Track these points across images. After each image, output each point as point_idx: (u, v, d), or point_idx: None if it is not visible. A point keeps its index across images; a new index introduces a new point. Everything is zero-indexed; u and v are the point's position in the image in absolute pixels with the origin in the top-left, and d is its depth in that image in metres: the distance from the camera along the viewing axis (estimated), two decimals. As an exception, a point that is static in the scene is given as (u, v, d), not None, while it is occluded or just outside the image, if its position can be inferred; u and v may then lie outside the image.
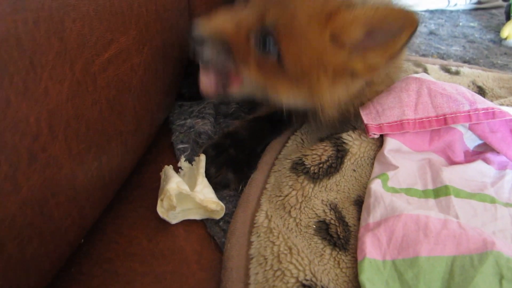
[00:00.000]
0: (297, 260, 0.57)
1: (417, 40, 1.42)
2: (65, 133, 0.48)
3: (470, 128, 0.77)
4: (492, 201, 0.68)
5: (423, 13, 1.68)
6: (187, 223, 0.66)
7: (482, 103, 0.73)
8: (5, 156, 0.40)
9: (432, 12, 1.69)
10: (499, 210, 0.67)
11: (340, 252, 0.61)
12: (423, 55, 1.31)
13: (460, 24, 1.60)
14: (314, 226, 0.64)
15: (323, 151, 0.73)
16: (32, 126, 0.43)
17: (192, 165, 0.73)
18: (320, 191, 0.69)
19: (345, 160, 0.73)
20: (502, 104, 0.86)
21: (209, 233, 0.65)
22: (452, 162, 0.77)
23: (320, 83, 0.65)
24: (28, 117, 0.43)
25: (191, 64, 0.77)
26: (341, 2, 0.60)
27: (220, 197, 0.68)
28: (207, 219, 0.67)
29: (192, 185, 0.66)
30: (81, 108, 0.51)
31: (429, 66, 1.14)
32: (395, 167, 0.71)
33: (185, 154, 0.77)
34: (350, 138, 0.75)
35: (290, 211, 0.65)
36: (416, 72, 1.03)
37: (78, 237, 0.58)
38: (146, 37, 0.65)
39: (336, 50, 0.62)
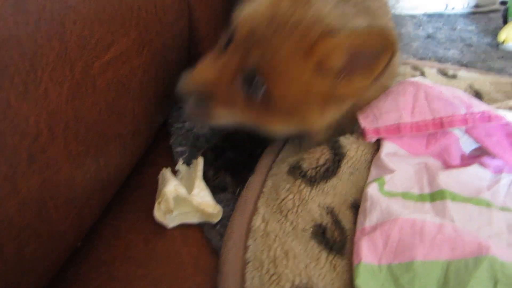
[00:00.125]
0: (293, 264, 0.57)
1: (414, 43, 1.42)
2: (65, 135, 0.48)
3: (467, 132, 0.78)
4: (488, 205, 0.69)
5: (421, 16, 1.68)
6: (184, 227, 0.66)
7: (478, 106, 0.73)
8: (4, 157, 0.41)
9: (430, 15, 1.69)
10: (494, 214, 0.67)
11: (336, 256, 0.61)
12: (421, 59, 1.31)
13: (458, 27, 1.60)
14: (311, 230, 0.64)
15: (321, 155, 0.73)
16: (31, 127, 0.43)
17: (190, 168, 0.73)
18: (317, 194, 0.69)
19: (342, 164, 0.73)
20: (499, 108, 0.86)
21: (206, 236, 0.65)
22: (448, 166, 0.77)
23: (310, 112, 0.66)
24: (28, 118, 0.43)
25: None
26: (321, 32, 0.61)
27: (218, 200, 0.68)
28: (204, 223, 0.67)
29: (189, 188, 0.66)
30: (81, 110, 0.51)
31: (426, 70, 1.14)
32: (392, 171, 0.71)
33: (183, 156, 0.77)
34: (348, 142, 0.76)
35: (287, 215, 0.65)
36: (414, 76, 1.04)
37: (76, 240, 0.58)
38: (145, 39, 0.65)
39: (322, 79, 0.63)
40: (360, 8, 0.71)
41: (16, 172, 0.42)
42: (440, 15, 1.71)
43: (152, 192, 0.68)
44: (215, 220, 0.66)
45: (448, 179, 0.72)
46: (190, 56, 0.85)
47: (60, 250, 0.53)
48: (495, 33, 1.50)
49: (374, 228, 0.62)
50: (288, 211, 0.66)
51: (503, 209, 0.69)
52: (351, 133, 0.78)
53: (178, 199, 0.64)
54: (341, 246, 0.62)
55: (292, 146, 0.80)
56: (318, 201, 0.68)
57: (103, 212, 0.65)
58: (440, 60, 1.32)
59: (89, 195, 0.56)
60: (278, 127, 0.71)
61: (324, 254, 0.61)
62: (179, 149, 0.79)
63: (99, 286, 0.57)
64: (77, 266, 0.59)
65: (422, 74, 1.11)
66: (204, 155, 0.73)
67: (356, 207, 0.69)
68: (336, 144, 0.75)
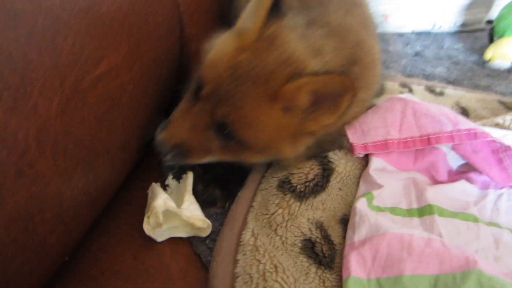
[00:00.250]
0: (282, 279, 0.57)
1: (403, 61, 1.44)
2: (53, 149, 0.48)
3: (453, 148, 0.79)
4: (475, 220, 0.70)
5: (409, 34, 1.71)
6: (173, 241, 0.65)
7: (465, 124, 0.75)
8: (-9, 171, 0.40)
9: (418, 34, 1.72)
10: (481, 229, 0.68)
11: (325, 271, 0.61)
12: (409, 76, 1.32)
13: (445, 46, 1.63)
14: (300, 245, 0.64)
15: (310, 170, 0.74)
16: (20, 142, 0.43)
17: (179, 182, 0.73)
18: (306, 209, 0.69)
19: (331, 179, 0.74)
20: (484, 125, 0.88)
21: (195, 251, 0.65)
22: (436, 181, 0.78)
23: (283, 146, 0.68)
24: (16, 133, 0.43)
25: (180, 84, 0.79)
26: (282, 77, 0.63)
27: (207, 215, 0.68)
28: (193, 237, 0.67)
29: (179, 202, 0.66)
30: (70, 125, 0.51)
31: (414, 87, 1.16)
32: (380, 186, 0.72)
33: (173, 171, 0.77)
34: (336, 157, 0.76)
35: (276, 229, 0.65)
36: (402, 92, 1.05)
37: (63, 254, 0.57)
38: (136, 55, 0.65)
39: (291, 118, 0.66)
40: (330, 29, 0.74)
41: (3, 187, 0.42)
42: (427, 34, 1.74)
43: (140, 207, 0.67)
44: (204, 234, 0.66)
45: (436, 195, 0.73)
46: (181, 71, 0.86)
47: (47, 265, 0.53)
48: (481, 51, 1.53)
49: (363, 242, 0.62)
50: (278, 225, 0.66)
51: (490, 224, 0.70)
52: (340, 148, 0.79)
53: (168, 213, 0.64)
54: (330, 260, 0.62)
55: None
56: (307, 216, 0.68)
57: (91, 226, 0.64)
58: (427, 77, 1.33)
59: (77, 210, 0.56)
60: (255, 160, 0.74)
61: (313, 269, 0.61)
62: (169, 163, 0.79)
63: (87, 301, 0.57)
64: (64, 280, 0.59)
65: (410, 91, 1.13)
66: (193, 169, 0.73)
67: (345, 222, 0.69)
68: (325, 160, 0.76)
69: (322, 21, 0.75)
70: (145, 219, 0.63)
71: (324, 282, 0.59)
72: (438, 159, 0.79)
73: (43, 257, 0.51)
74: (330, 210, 0.71)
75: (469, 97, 1.11)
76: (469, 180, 0.77)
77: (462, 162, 0.82)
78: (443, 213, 0.70)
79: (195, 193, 0.70)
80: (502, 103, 1.09)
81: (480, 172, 0.78)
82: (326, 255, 0.63)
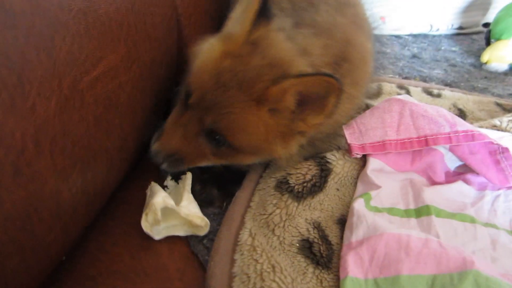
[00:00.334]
0: (280, 278, 0.57)
1: (400, 63, 1.45)
2: (51, 149, 0.48)
3: (451, 150, 0.79)
4: (472, 221, 0.70)
5: (406, 37, 1.72)
6: (170, 241, 0.65)
7: (462, 125, 0.75)
8: (-12, 170, 0.40)
9: (415, 36, 1.73)
10: (478, 230, 0.68)
11: (322, 271, 0.61)
12: (406, 78, 1.33)
13: (442, 48, 1.64)
14: (298, 245, 0.64)
15: (307, 170, 0.74)
16: (17, 141, 0.43)
17: (178, 183, 0.73)
18: (304, 209, 0.69)
19: (329, 179, 0.74)
20: (481, 127, 0.88)
21: (193, 251, 0.65)
22: (433, 182, 0.79)
23: (274, 147, 0.68)
24: (14, 132, 0.43)
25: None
26: (266, 80, 0.63)
27: (205, 215, 0.67)
28: (191, 237, 0.67)
29: (177, 203, 0.66)
30: (68, 125, 0.51)
31: (411, 88, 1.16)
32: (378, 187, 0.72)
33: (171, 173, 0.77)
34: (334, 158, 0.77)
35: (274, 230, 0.66)
36: (399, 94, 1.06)
37: (60, 254, 0.57)
38: (134, 56, 0.65)
39: (278, 120, 0.66)
40: (318, 28, 0.74)
41: (1, 185, 0.42)
42: (425, 36, 1.75)
43: (138, 207, 0.67)
44: (202, 233, 0.66)
45: (433, 195, 0.73)
46: (179, 72, 0.86)
47: (44, 264, 0.53)
48: (478, 54, 1.54)
49: (361, 242, 0.62)
50: (275, 225, 0.66)
51: (487, 225, 0.70)
52: (337, 148, 0.80)
53: (166, 211, 0.64)
54: (328, 260, 0.62)
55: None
56: (305, 216, 0.68)
57: (89, 226, 0.64)
58: (424, 79, 1.34)
59: (75, 209, 0.56)
60: (249, 161, 0.74)
61: (310, 269, 0.61)
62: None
63: (84, 301, 0.57)
64: (61, 280, 0.59)
65: (408, 92, 1.13)
66: (191, 169, 0.73)
67: (342, 222, 0.69)
68: (322, 160, 0.76)
69: (310, 21, 0.76)
70: (143, 216, 0.63)
71: (321, 282, 0.60)
72: (436, 160, 0.79)
73: (41, 256, 0.51)
74: (327, 210, 0.71)
75: (466, 99, 1.12)
76: (466, 181, 0.78)
77: (459, 163, 0.83)
78: (440, 214, 0.70)
79: (193, 192, 0.70)
80: (499, 105, 1.10)
81: (477, 174, 0.78)
82: (324, 255, 0.63)
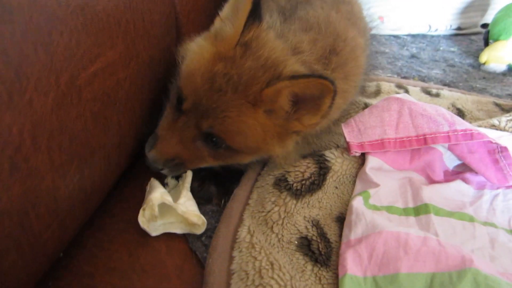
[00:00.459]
0: (278, 276, 0.57)
1: (399, 62, 1.45)
2: (48, 145, 0.48)
3: (450, 149, 0.79)
4: (471, 220, 0.70)
5: (405, 37, 1.72)
6: (169, 238, 0.65)
7: (461, 124, 0.75)
8: (-15, 166, 0.40)
9: (414, 36, 1.74)
10: (477, 228, 0.68)
11: (321, 268, 0.61)
12: (405, 77, 1.33)
13: (441, 48, 1.64)
14: (296, 242, 0.64)
15: (306, 168, 0.74)
16: (14, 137, 0.43)
17: (178, 181, 0.73)
18: (302, 207, 0.69)
19: (328, 177, 0.74)
20: (480, 126, 0.88)
21: (191, 248, 0.65)
22: (432, 181, 0.79)
23: (271, 146, 0.69)
24: (11, 127, 0.42)
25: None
26: (261, 82, 0.63)
27: (203, 212, 0.68)
28: (189, 234, 0.66)
29: (175, 199, 0.66)
30: (65, 120, 0.51)
31: (410, 88, 1.16)
32: (377, 185, 0.72)
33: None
34: (333, 156, 0.76)
35: (272, 227, 0.65)
36: (398, 93, 1.06)
37: (58, 250, 0.57)
38: (133, 53, 0.65)
39: (274, 121, 0.66)
40: (307, 22, 0.75)
41: (-2, 181, 0.42)
42: (423, 36, 1.75)
43: (136, 204, 0.67)
44: (199, 231, 0.66)
45: (432, 194, 0.73)
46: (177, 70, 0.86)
47: (41, 261, 0.52)
48: (476, 54, 1.54)
49: (359, 240, 0.62)
50: (274, 223, 0.66)
51: (486, 224, 0.70)
52: (336, 146, 0.79)
53: (164, 207, 0.64)
54: (326, 258, 0.62)
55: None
56: (303, 214, 0.68)
57: (86, 223, 0.64)
58: (423, 79, 1.34)
59: (72, 206, 0.55)
60: (247, 161, 0.74)
61: (309, 266, 0.61)
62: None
63: (81, 298, 0.56)
64: (59, 277, 0.58)
65: (406, 92, 1.13)
66: (190, 167, 0.73)
67: (341, 220, 0.69)
68: (321, 158, 0.76)
69: (302, 15, 0.76)
70: (141, 212, 0.63)
71: (320, 279, 0.59)
72: (435, 159, 0.79)
73: (38, 252, 0.50)
74: (326, 208, 0.71)
75: (465, 99, 1.12)
76: (465, 180, 0.78)
77: (458, 162, 0.83)
78: (439, 212, 0.70)
79: (191, 190, 0.70)
80: (497, 105, 1.10)
81: (476, 173, 0.78)
82: (322, 252, 0.63)
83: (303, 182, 0.72)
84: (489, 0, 1.77)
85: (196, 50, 0.69)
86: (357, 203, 0.68)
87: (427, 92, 1.15)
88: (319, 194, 0.72)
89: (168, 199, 0.63)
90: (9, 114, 0.42)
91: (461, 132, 0.74)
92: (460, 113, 1.05)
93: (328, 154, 0.77)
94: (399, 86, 1.16)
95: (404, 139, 0.76)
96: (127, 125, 0.67)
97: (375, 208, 0.70)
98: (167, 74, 0.77)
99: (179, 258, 0.63)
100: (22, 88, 0.43)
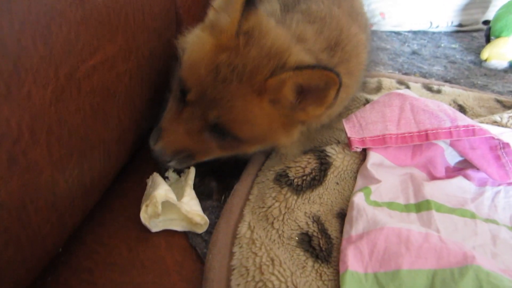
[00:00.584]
0: (279, 272, 0.57)
1: (400, 59, 1.45)
2: (47, 138, 0.47)
3: (451, 145, 0.79)
4: (472, 216, 0.69)
5: (406, 33, 1.72)
6: (168, 234, 0.65)
7: (463, 120, 0.74)
8: (-17, 159, 0.40)
9: (415, 33, 1.73)
10: (479, 225, 0.68)
11: (322, 264, 0.61)
12: (406, 74, 1.33)
13: (442, 45, 1.64)
14: (297, 238, 0.64)
15: (307, 164, 0.73)
16: (13, 129, 0.42)
17: (180, 176, 0.73)
18: (303, 203, 0.69)
19: (329, 173, 0.73)
20: (482, 122, 0.88)
21: (191, 243, 0.64)
22: (433, 177, 0.78)
23: (277, 136, 0.69)
24: (9, 120, 0.42)
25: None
26: (266, 71, 0.63)
27: (203, 208, 0.67)
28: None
29: (178, 196, 0.66)
30: (64, 114, 0.50)
31: (411, 84, 1.16)
32: (378, 181, 0.72)
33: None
34: (334, 152, 0.76)
35: (273, 223, 0.65)
36: (399, 89, 1.05)
37: (57, 245, 0.57)
38: (132, 46, 0.65)
39: (279, 110, 0.66)
40: (310, 15, 0.74)
41: (-5, 175, 0.41)
42: (424, 33, 1.75)
43: (136, 199, 0.67)
44: (200, 231, 0.65)
45: (433, 190, 0.73)
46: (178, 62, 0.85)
47: (40, 256, 0.52)
48: (478, 51, 1.54)
49: (360, 236, 0.61)
50: (274, 219, 0.65)
51: (487, 221, 0.70)
52: (338, 142, 0.79)
53: (166, 205, 0.63)
54: (327, 254, 0.62)
55: (278, 154, 0.81)
56: (304, 210, 0.68)
57: (86, 218, 0.64)
58: (424, 75, 1.34)
59: (71, 200, 0.55)
60: (254, 150, 0.74)
61: (310, 262, 0.61)
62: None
63: (80, 293, 0.56)
64: (58, 272, 0.58)
65: (407, 88, 1.13)
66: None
67: (342, 216, 0.69)
68: (322, 154, 0.75)
69: (305, 9, 0.75)
70: (143, 208, 0.62)
71: (321, 275, 0.59)
72: (436, 155, 0.79)
73: (37, 247, 0.50)
74: (327, 204, 0.71)
75: (466, 95, 1.12)
76: (466, 176, 0.77)
77: (459, 158, 0.82)
78: (440, 208, 0.70)
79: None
80: (499, 102, 1.10)
81: (478, 169, 0.78)
82: (323, 249, 0.62)
83: (304, 177, 0.71)
84: (490, -3, 1.77)
85: (196, 41, 0.68)
86: (358, 199, 0.68)
87: (429, 89, 1.15)
88: (320, 190, 0.72)
89: (172, 197, 0.63)
90: (7, 107, 0.42)
91: (463, 128, 0.73)
92: (462, 109, 1.05)
93: (329, 149, 0.76)
94: (400, 82, 1.16)
95: (406, 134, 0.76)
96: (127, 119, 0.67)
97: (376, 204, 0.69)
98: (168, 67, 0.76)
99: (179, 254, 0.62)
100: (21, 80, 0.43)
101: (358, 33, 0.81)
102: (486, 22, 1.64)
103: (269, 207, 0.67)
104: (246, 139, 0.68)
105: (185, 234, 0.66)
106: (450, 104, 1.04)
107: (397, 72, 1.34)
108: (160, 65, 0.76)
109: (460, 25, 1.80)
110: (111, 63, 0.59)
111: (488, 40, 1.51)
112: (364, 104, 0.95)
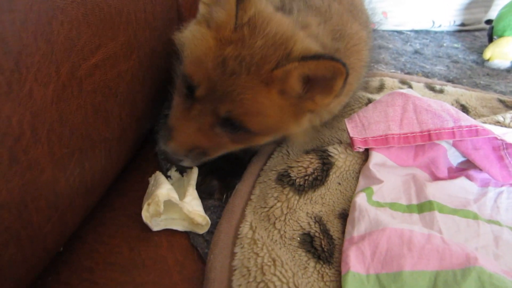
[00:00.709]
0: (280, 272, 0.56)
1: (402, 58, 1.45)
2: (48, 137, 0.47)
3: (454, 145, 0.78)
4: (475, 217, 0.69)
5: (408, 32, 1.72)
6: (170, 233, 0.65)
7: (466, 120, 0.74)
8: (-16, 157, 0.39)
9: (417, 32, 1.73)
10: (481, 226, 0.68)
11: (324, 265, 0.60)
12: (408, 73, 1.33)
13: (444, 44, 1.64)
14: (299, 239, 0.63)
15: (309, 164, 0.73)
16: (14, 128, 0.42)
17: (182, 175, 0.72)
18: (305, 203, 0.68)
19: (331, 173, 0.73)
20: (484, 123, 0.87)
21: (192, 243, 0.64)
22: (436, 178, 0.78)
23: (288, 125, 0.68)
24: (11, 118, 0.42)
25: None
26: (272, 61, 0.62)
27: (205, 207, 0.67)
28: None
29: (180, 195, 0.65)
30: (66, 112, 0.50)
31: (414, 84, 1.16)
32: (380, 181, 0.71)
33: (169, 165, 0.76)
34: (336, 151, 0.76)
35: (274, 223, 0.65)
36: (401, 89, 1.05)
37: (58, 244, 0.56)
38: (134, 44, 0.64)
39: (288, 100, 0.65)
40: (314, 11, 0.73)
41: (-3, 173, 0.41)
42: (427, 32, 1.74)
43: (137, 198, 0.67)
44: (201, 231, 0.65)
45: (436, 191, 0.72)
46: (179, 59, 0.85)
47: (41, 255, 0.52)
48: (480, 51, 1.54)
49: (362, 237, 0.61)
50: (276, 219, 0.65)
51: (490, 222, 0.69)
52: (340, 142, 0.79)
53: (168, 204, 0.63)
54: (329, 255, 0.62)
55: (280, 154, 0.80)
56: (306, 210, 0.68)
57: (87, 217, 0.64)
58: (427, 75, 1.34)
59: (73, 199, 0.55)
60: (265, 141, 0.73)
61: (312, 263, 0.60)
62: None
63: (81, 293, 0.56)
64: (58, 271, 0.58)
65: (410, 87, 1.13)
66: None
67: (344, 216, 0.68)
68: (324, 154, 0.75)
69: (304, 5, 0.74)
70: (145, 206, 0.62)
71: (323, 276, 0.59)
72: (439, 155, 0.78)
73: (38, 246, 0.50)
74: (329, 204, 0.70)
75: (469, 95, 1.11)
76: (469, 177, 0.77)
77: (462, 159, 0.82)
78: (443, 209, 0.69)
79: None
80: (501, 101, 1.09)
81: (480, 170, 0.77)
82: (325, 249, 0.62)
83: (306, 177, 0.71)
84: (493, -4, 1.76)
85: (196, 37, 0.67)
86: (360, 199, 0.68)
87: (431, 88, 1.14)
88: (322, 190, 0.71)
89: (175, 196, 0.63)
90: (8, 105, 0.41)
91: (466, 128, 0.73)
92: (464, 109, 1.04)
93: (332, 149, 0.76)
94: (403, 82, 1.16)
95: (408, 134, 0.75)
96: (128, 118, 0.66)
97: (379, 204, 0.69)
98: (170, 65, 0.76)
99: (180, 254, 0.62)
100: (22, 78, 0.43)
101: (359, 30, 0.80)
102: (488, 22, 1.64)
103: (271, 207, 0.67)
104: (258, 131, 0.67)
105: (187, 234, 0.65)
106: (452, 104, 1.04)
107: (399, 71, 1.34)
108: (162, 63, 0.76)
109: (462, 24, 1.79)
110: (112, 61, 0.59)
111: (490, 39, 1.51)
112: (367, 104, 0.95)
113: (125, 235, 0.64)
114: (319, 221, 0.66)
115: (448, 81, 1.29)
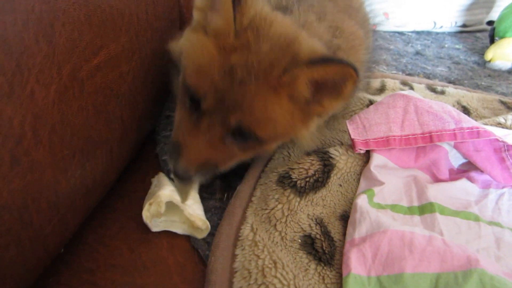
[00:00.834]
0: (281, 275, 0.56)
1: (403, 59, 1.45)
2: (50, 138, 0.47)
3: (455, 147, 0.78)
4: (476, 219, 0.69)
5: (410, 33, 1.71)
6: (170, 235, 0.65)
7: (468, 122, 0.74)
8: (-15, 159, 0.39)
9: (418, 33, 1.73)
10: (483, 228, 0.68)
11: (325, 267, 0.60)
12: (409, 74, 1.33)
13: (446, 45, 1.63)
14: (300, 241, 0.63)
15: (310, 165, 0.73)
16: (15, 129, 0.42)
17: None
18: (306, 205, 0.68)
19: (332, 175, 0.73)
20: (486, 124, 0.87)
21: (193, 245, 0.64)
22: (437, 180, 0.78)
23: (296, 130, 0.67)
24: (12, 119, 0.42)
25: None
26: (280, 66, 0.60)
27: (206, 209, 0.67)
28: (191, 231, 0.66)
29: (182, 200, 0.65)
30: (67, 114, 0.50)
31: (415, 85, 1.15)
32: (381, 183, 0.71)
33: (170, 166, 0.75)
34: (337, 153, 0.76)
35: (275, 225, 0.65)
36: (403, 90, 1.05)
37: (58, 246, 0.56)
38: (136, 46, 0.64)
39: (297, 105, 0.63)
40: (311, 7, 0.73)
41: (-2, 174, 0.41)
42: (428, 33, 1.74)
43: (138, 200, 0.66)
44: (201, 236, 0.65)
45: (437, 193, 0.72)
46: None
47: (42, 256, 0.52)
48: (482, 52, 1.53)
49: (364, 239, 0.61)
50: (277, 221, 0.65)
51: (491, 223, 0.69)
52: (341, 144, 0.79)
53: (169, 206, 0.63)
54: (330, 257, 0.62)
55: (281, 156, 0.80)
56: (307, 212, 0.67)
57: (88, 218, 0.64)
58: (428, 76, 1.34)
59: (73, 200, 0.55)
60: (274, 147, 0.72)
61: (313, 265, 0.60)
62: (166, 157, 0.77)
63: (82, 294, 0.56)
64: (59, 273, 0.58)
65: (411, 89, 1.13)
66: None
67: (345, 218, 0.68)
68: (325, 155, 0.75)
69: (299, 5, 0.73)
70: (146, 206, 0.62)
71: (323, 278, 0.59)
72: (440, 157, 0.78)
73: (38, 248, 0.50)
74: (330, 206, 0.70)
75: (470, 96, 1.11)
76: (470, 179, 0.77)
77: (463, 161, 0.82)
78: (444, 211, 0.69)
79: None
80: (503, 103, 1.09)
81: (482, 171, 0.77)
82: (326, 251, 0.62)
83: (307, 179, 0.71)
84: (494, -3, 1.76)
85: (196, 45, 0.64)
86: (362, 201, 0.67)
87: (432, 90, 1.14)
88: (323, 191, 0.71)
89: (177, 198, 0.63)
90: (10, 107, 0.41)
91: (468, 130, 0.73)
92: (466, 110, 1.04)
93: (333, 151, 0.76)
94: (404, 83, 1.15)
95: (410, 136, 0.75)
96: (129, 119, 0.66)
97: (380, 206, 0.69)
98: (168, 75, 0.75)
99: (181, 256, 0.62)
100: (23, 79, 0.43)
101: (356, 30, 0.79)
102: (490, 23, 1.64)
103: (272, 209, 0.67)
104: (268, 138, 0.65)
105: (187, 236, 0.65)
106: (454, 105, 1.04)
107: (400, 72, 1.34)
108: (163, 65, 0.76)
109: (464, 25, 1.79)
110: (114, 62, 0.59)
111: (492, 40, 1.51)
112: (368, 105, 0.95)
113: (126, 236, 0.64)
114: (320, 223, 0.66)
115: (450, 82, 1.29)
